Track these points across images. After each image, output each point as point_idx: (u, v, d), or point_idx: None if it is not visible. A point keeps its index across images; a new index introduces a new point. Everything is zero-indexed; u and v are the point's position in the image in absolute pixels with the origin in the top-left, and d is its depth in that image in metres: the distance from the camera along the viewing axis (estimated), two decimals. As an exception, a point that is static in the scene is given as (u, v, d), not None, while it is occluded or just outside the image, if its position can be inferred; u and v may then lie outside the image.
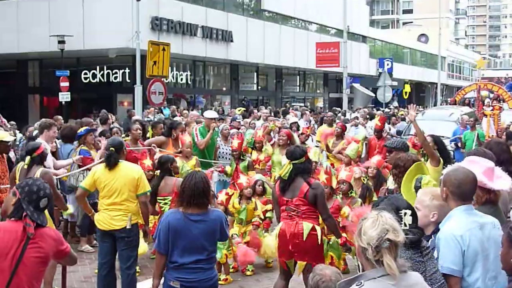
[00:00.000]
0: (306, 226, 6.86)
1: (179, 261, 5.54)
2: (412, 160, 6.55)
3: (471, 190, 4.42)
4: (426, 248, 4.15)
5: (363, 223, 3.48)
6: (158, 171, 8.89)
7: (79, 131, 10.86)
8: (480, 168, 4.67)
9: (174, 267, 5.59)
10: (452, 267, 4.17)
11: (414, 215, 4.13)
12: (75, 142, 10.97)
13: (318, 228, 6.94)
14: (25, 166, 7.92)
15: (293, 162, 6.98)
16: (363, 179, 9.33)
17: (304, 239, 6.84)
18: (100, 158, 10.11)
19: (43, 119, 12.16)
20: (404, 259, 3.84)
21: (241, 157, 10.96)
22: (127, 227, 7.29)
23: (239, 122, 17.86)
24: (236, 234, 8.94)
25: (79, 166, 10.22)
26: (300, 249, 6.89)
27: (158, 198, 8.76)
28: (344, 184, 8.90)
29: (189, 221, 5.52)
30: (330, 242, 8.08)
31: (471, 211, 4.40)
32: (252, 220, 9.12)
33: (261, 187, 9.38)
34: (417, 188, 5.92)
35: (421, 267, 4.01)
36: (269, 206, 9.19)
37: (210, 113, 12.58)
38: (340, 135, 13.16)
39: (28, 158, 7.94)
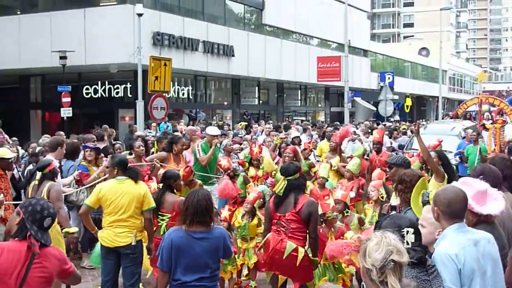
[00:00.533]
0: (289, 245, 6.90)
1: (182, 279, 5.52)
2: (418, 175, 6.56)
3: (462, 209, 4.42)
4: (431, 266, 4.13)
5: (367, 244, 3.47)
6: (161, 184, 8.84)
7: (76, 152, 10.93)
8: (471, 191, 4.66)
9: (177, 285, 5.57)
10: (451, 286, 4.15)
11: (416, 233, 4.12)
12: (77, 159, 10.99)
13: (301, 250, 6.94)
14: (36, 182, 7.97)
15: (288, 178, 7.00)
16: (380, 198, 9.22)
17: (284, 257, 6.87)
18: (98, 176, 10.14)
19: (54, 137, 12.21)
20: (410, 278, 3.83)
21: (235, 174, 10.91)
22: (132, 243, 7.29)
23: (241, 137, 17.85)
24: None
25: (76, 181, 10.23)
26: (278, 265, 6.96)
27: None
28: (340, 204, 8.89)
29: (192, 239, 5.51)
30: (336, 265, 8.05)
31: (463, 229, 4.40)
32: (256, 241, 9.09)
33: (261, 199, 9.33)
34: (424, 203, 5.92)
35: (427, 285, 4.00)
36: None
37: (213, 130, 12.55)
38: (335, 149, 13.03)
39: (39, 174, 7.97)
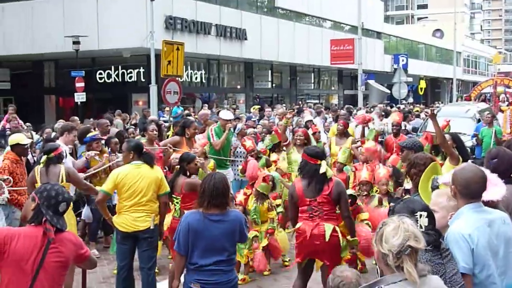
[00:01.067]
0: (328, 227, 6.83)
1: (200, 263, 5.54)
2: (430, 159, 6.51)
3: (480, 188, 4.39)
4: (445, 250, 4.13)
5: (384, 228, 3.45)
6: (178, 166, 8.78)
7: (85, 138, 10.88)
8: None
9: (194, 269, 5.58)
10: (464, 265, 4.15)
11: (430, 216, 4.09)
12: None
13: (338, 229, 6.93)
14: (42, 166, 7.98)
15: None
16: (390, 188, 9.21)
17: (327, 240, 6.81)
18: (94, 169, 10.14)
19: (65, 122, 12.24)
20: (424, 261, 3.82)
21: (258, 156, 10.92)
22: (151, 227, 7.32)
23: (254, 121, 17.83)
24: (257, 236, 8.93)
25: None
26: (320, 250, 6.87)
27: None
28: (366, 185, 8.88)
29: (209, 222, 5.54)
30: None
31: (479, 209, 4.38)
32: (268, 226, 9.11)
33: (271, 182, 9.29)
34: (434, 188, 5.87)
35: (441, 269, 3.98)
36: (279, 201, 9.34)
37: (226, 114, 12.51)
38: (343, 133, 12.61)
39: (44, 157, 7.99)
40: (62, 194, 4.54)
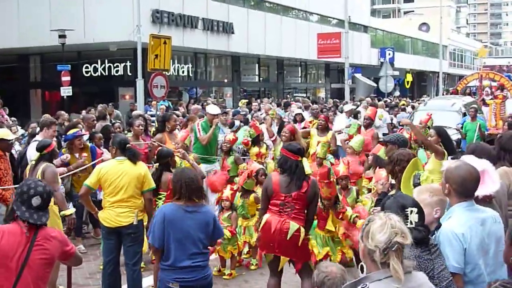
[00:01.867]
0: (292, 226, 6.84)
1: (177, 257, 5.60)
2: (413, 155, 6.56)
3: (474, 187, 4.41)
4: (434, 245, 4.14)
5: (370, 224, 3.45)
6: (157, 164, 8.77)
7: (66, 135, 10.77)
8: None
9: (172, 268, 5.64)
10: (455, 265, 4.18)
11: (420, 212, 4.08)
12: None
13: (302, 230, 6.92)
14: (33, 163, 7.97)
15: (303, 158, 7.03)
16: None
17: (288, 238, 6.83)
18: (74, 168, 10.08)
19: (44, 116, 12.15)
20: (412, 257, 3.84)
21: (230, 153, 11.05)
22: (134, 223, 7.32)
23: (243, 115, 17.83)
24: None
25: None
26: (281, 246, 6.90)
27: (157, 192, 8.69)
28: (345, 179, 8.92)
29: (184, 212, 5.64)
30: (334, 239, 8.09)
31: (472, 207, 4.40)
32: (255, 220, 9.14)
33: (263, 176, 9.29)
34: (416, 185, 5.92)
35: (429, 265, 4.01)
36: None
37: (213, 109, 12.50)
38: (324, 128, 12.35)
39: (37, 154, 7.96)
40: (34, 188, 4.51)
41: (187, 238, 5.61)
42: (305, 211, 7.02)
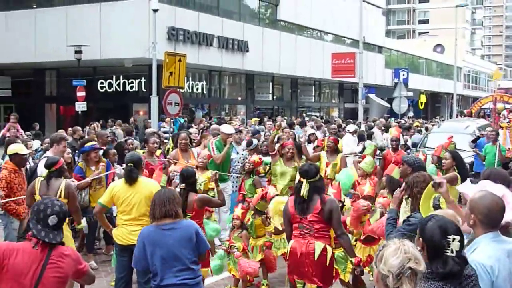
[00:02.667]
0: (318, 245, 6.78)
1: (163, 277, 5.65)
2: (429, 177, 6.52)
3: (500, 217, 4.32)
4: (468, 277, 3.94)
5: (384, 249, 3.45)
6: (183, 184, 8.63)
7: (83, 147, 10.83)
8: None
9: (158, 287, 5.70)
10: None
11: (462, 241, 3.90)
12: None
13: (329, 249, 6.87)
14: (42, 179, 8.00)
15: (309, 180, 6.93)
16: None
17: (316, 258, 6.76)
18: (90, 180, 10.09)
19: (54, 133, 12.23)
20: None
21: (251, 175, 10.78)
22: None
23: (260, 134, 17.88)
24: (236, 247, 8.85)
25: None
26: (310, 268, 6.80)
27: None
28: (369, 199, 8.79)
29: (162, 231, 5.68)
30: (335, 256, 7.97)
31: (498, 238, 4.30)
32: (264, 240, 9.11)
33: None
34: (435, 206, 5.89)
35: None
36: None
37: (227, 128, 12.51)
38: (333, 150, 11.94)
39: (46, 172, 8.00)
40: (51, 207, 4.53)
41: (170, 256, 5.64)
42: (327, 229, 6.94)
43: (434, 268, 3.85)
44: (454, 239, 3.85)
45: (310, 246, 6.79)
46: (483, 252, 4.19)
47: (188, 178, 8.20)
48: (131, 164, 7.48)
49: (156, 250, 5.65)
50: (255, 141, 13.09)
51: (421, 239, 3.99)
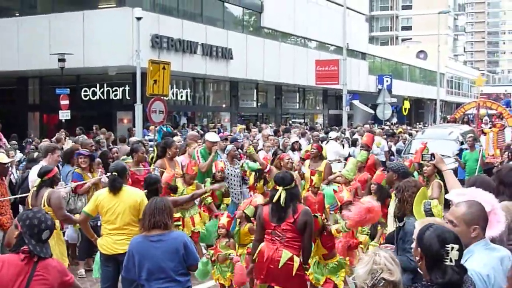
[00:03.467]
0: (285, 254, 6.79)
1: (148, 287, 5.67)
2: (419, 182, 6.59)
3: (487, 224, 4.34)
4: (468, 285, 3.90)
5: (358, 263, 3.50)
6: (145, 191, 8.58)
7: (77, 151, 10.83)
8: None
9: None
10: None
11: (460, 250, 3.85)
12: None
13: (296, 259, 6.85)
14: (35, 189, 7.97)
15: (285, 188, 6.92)
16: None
17: (279, 266, 6.77)
18: (92, 184, 10.07)
19: (48, 143, 12.16)
20: None
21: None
22: None
23: (239, 142, 17.86)
24: (232, 253, 8.85)
25: (73, 190, 10.02)
26: (273, 275, 6.84)
27: None
28: (350, 205, 8.76)
29: (149, 243, 5.69)
30: (328, 267, 7.98)
31: (489, 246, 4.29)
32: (247, 246, 9.11)
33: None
34: (426, 210, 5.93)
35: None
36: None
37: (212, 136, 12.48)
38: (317, 157, 12.13)
39: (38, 180, 7.97)
40: (45, 222, 4.52)
41: (155, 268, 5.64)
42: (299, 240, 6.96)
43: (433, 277, 3.80)
44: (452, 248, 3.80)
45: (277, 253, 6.82)
46: (478, 261, 4.15)
47: (151, 184, 8.18)
48: (115, 174, 7.44)
49: (144, 261, 5.66)
50: (229, 146, 13.11)
51: (419, 249, 3.93)
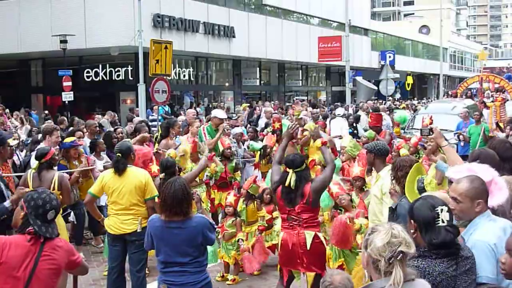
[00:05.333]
0: (309, 235, 6.78)
1: (165, 264, 5.68)
2: (415, 160, 6.56)
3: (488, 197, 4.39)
4: (466, 258, 4.02)
5: (374, 235, 3.49)
6: (163, 174, 8.56)
7: (64, 142, 10.65)
8: None
9: (161, 270, 5.73)
10: (490, 276, 4.09)
11: (450, 211, 4.02)
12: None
13: (320, 235, 6.88)
14: (33, 171, 8.00)
15: (296, 170, 6.89)
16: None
17: (308, 248, 6.77)
18: (79, 174, 10.07)
19: (46, 124, 12.15)
20: (436, 273, 3.83)
21: (230, 158, 11.01)
22: (138, 230, 7.31)
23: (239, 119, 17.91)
24: (242, 239, 8.95)
25: None
26: (305, 258, 6.81)
27: None
28: (359, 180, 8.75)
29: (167, 229, 5.61)
30: (344, 253, 7.81)
31: (491, 217, 4.35)
32: (258, 224, 9.15)
33: (268, 196, 9.27)
34: (420, 188, 5.91)
35: (451, 283, 3.92)
36: (276, 214, 9.04)
37: (220, 113, 12.47)
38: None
39: (36, 163, 7.99)
40: (49, 202, 4.53)
41: (173, 251, 5.62)
42: (316, 217, 6.99)
43: (428, 239, 3.93)
44: (442, 209, 3.97)
45: (301, 236, 6.79)
46: (484, 231, 4.21)
47: (168, 168, 8.24)
48: (119, 154, 7.46)
49: (161, 245, 5.64)
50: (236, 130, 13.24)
51: (412, 220, 4.07)
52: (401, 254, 3.37)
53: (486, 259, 4.11)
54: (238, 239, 8.89)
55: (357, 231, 7.50)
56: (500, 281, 4.15)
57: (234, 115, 19.75)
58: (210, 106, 29.24)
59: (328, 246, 7.49)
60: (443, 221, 3.93)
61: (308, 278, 7.10)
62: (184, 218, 5.60)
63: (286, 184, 6.83)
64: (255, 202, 9.20)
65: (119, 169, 7.38)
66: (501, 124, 17.94)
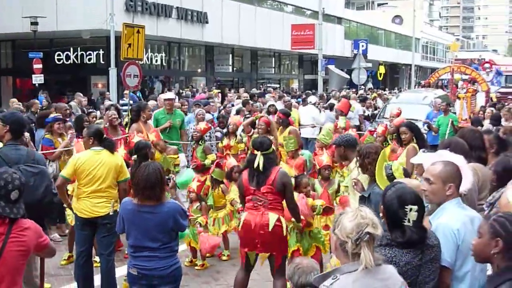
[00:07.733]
0: (272, 217, 6.80)
1: (134, 249, 5.69)
2: (380, 147, 6.60)
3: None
4: (431, 246, 4.07)
5: (342, 217, 3.51)
6: (135, 156, 8.64)
7: (46, 118, 10.66)
8: None
9: (131, 254, 5.75)
10: (448, 260, 4.16)
11: (419, 210, 4.01)
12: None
13: (283, 219, 6.91)
14: None
15: (264, 152, 6.93)
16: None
17: (270, 229, 6.79)
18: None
19: (14, 106, 12.02)
20: (403, 263, 3.89)
21: (200, 142, 10.96)
22: (110, 213, 7.28)
23: (213, 105, 17.85)
24: (199, 222, 8.94)
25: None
26: (264, 240, 6.83)
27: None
28: (328, 169, 8.80)
29: (139, 213, 5.62)
30: (312, 233, 7.79)
31: (462, 205, 4.40)
32: (225, 210, 9.20)
33: (237, 174, 9.30)
34: (388, 175, 5.95)
35: (415, 272, 3.99)
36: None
37: (167, 94, 12.58)
38: (267, 132, 11.02)
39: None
40: (11, 182, 4.46)
41: (144, 236, 5.61)
42: (281, 201, 6.99)
43: (393, 237, 3.98)
44: (411, 209, 3.97)
45: (264, 218, 6.82)
46: (450, 216, 4.27)
47: (140, 149, 8.26)
48: (92, 138, 7.43)
49: (132, 228, 5.66)
50: (196, 110, 13.20)
51: (382, 206, 4.13)
52: (367, 236, 3.40)
53: (445, 242, 4.16)
54: (196, 221, 8.90)
55: (313, 210, 7.58)
56: (459, 267, 4.22)
57: (211, 100, 19.70)
58: (181, 91, 29.06)
59: (295, 242, 7.55)
60: (408, 221, 3.94)
61: (261, 259, 7.10)
62: (157, 203, 5.60)
63: (255, 166, 6.87)
64: (220, 187, 9.20)
65: (112, 148, 7.42)
66: (471, 115, 18.16)
